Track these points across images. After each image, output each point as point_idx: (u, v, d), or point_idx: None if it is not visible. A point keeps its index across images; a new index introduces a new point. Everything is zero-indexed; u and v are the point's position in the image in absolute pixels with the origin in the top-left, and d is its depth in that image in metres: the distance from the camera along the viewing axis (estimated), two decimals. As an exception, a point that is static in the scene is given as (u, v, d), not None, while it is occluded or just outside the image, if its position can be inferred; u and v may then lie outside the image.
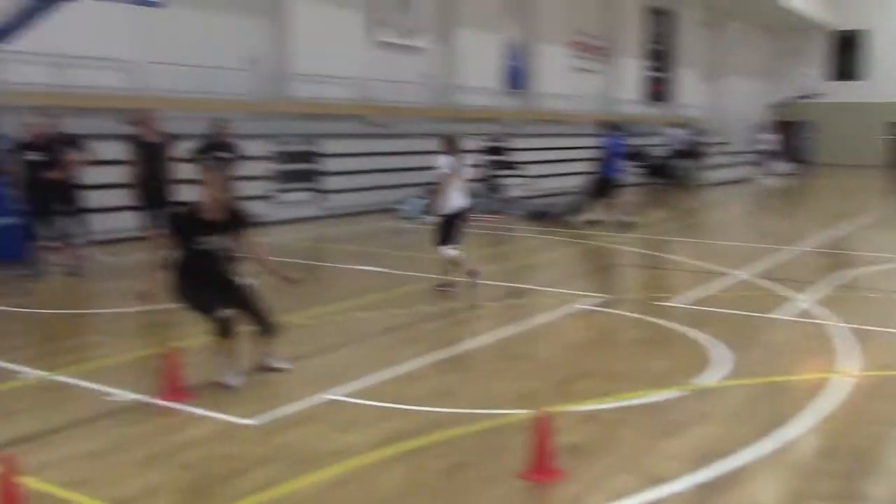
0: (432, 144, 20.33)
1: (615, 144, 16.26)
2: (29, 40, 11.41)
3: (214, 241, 6.03)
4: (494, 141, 21.59)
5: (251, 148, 15.82)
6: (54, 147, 10.66)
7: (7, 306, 8.86)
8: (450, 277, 9.75)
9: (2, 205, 11.21)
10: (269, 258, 6.55)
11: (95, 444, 5.00)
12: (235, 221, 6.16)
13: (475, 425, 5.37)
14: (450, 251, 9.63)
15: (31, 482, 4.31)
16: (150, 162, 11.06)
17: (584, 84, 28.49)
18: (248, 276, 6.40)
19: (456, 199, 9.58)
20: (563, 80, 26.99)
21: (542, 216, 17.19)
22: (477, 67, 23.31)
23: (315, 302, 9.42)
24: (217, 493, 4.39)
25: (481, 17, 23.31)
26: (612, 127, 16.76)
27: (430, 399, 5.86)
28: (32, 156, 10.52)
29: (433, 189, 9.85)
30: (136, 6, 10.90)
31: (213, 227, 6.02)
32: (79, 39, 13.49)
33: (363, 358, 7.01)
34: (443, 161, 9.64)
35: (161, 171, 11.11)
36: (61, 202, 10.86)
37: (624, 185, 16.85)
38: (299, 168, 17.41)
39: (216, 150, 11.68)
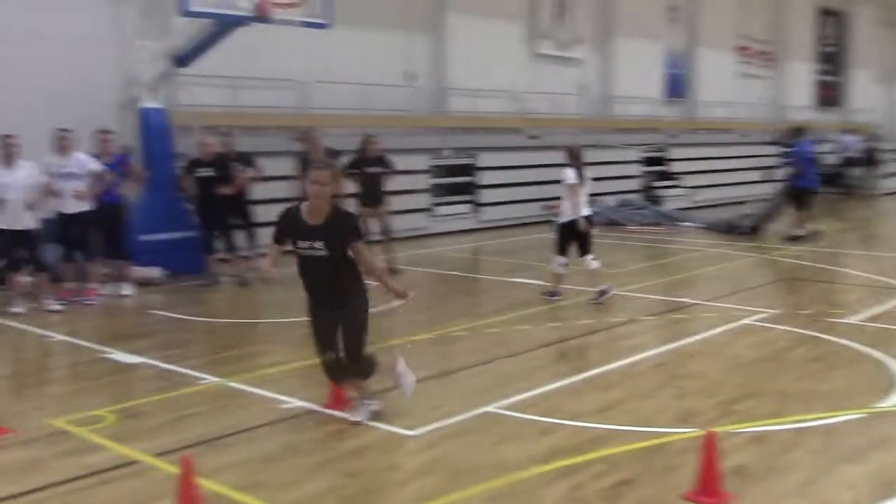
0: (590, 156, 20.23)
1: (806, 151, 15.43)
2: (204, 63, 12.12)
3: (313, 248, 5.38)
4: (654, 151, 21.16)
5: (410, 162, 16.16)
6: (225, 164, 11.27)
7: (185, 315, 9.42)
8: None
9: (180, 219, 11.95)
10: (383, 272, 5.92)
11: (268, 449, 5.21)
12: (340, 230, 5.40)
13: (637, 443, 5.25)
14: (560, 261, 9.96)
15: (207, 483, 4.53)
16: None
17: (750, 90, 27.43)
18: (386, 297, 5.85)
19: (580, 209, 9.75)
20: (727, 87, 26.07)
21: (732, 229, 16.42)
22: (636, 76, 22.89)
23: (472, 314, 9.51)
24: (380, 501, 4.49)
25: (640, 25, 22.89)
26: (799, 133, 15.86)
27: (589, 415, 5.78)
28: (204, 172, 11.15)
29: (560, 199, 10.07)
30: (304, 28, 11.33)
31: (312, 233, 5.37)
32: (249, 61, 14.18)
33: (521, 371, 7.00)
34: (567, 172, 9.86)
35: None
36: (232, 216, 11.49)
37: (817, 194, 15.92)
38: (457, 181, 17.66)
39: (368, 164, 11.96)
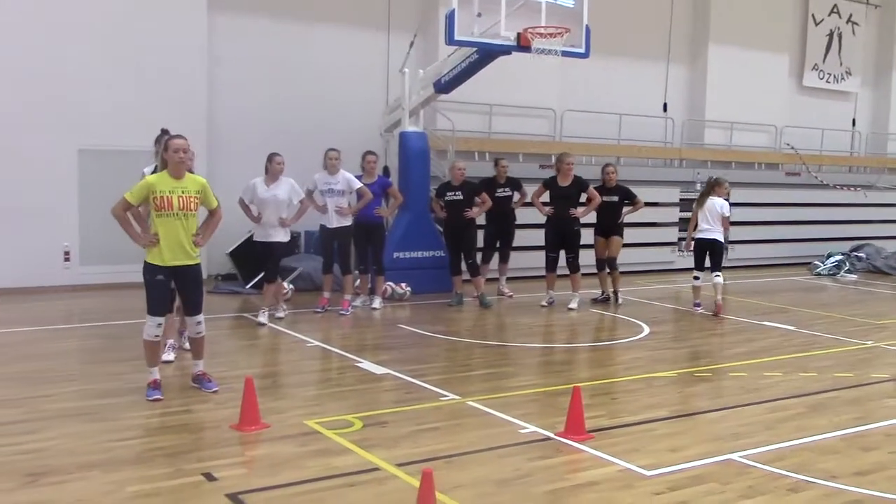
0: (859, 197, 18.88)
1: None
2: (461, 90, 12.56)
3: None
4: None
5: (660, 194, 15.82)
6: (473, 188, 11.58)
7: (430, 332, 9.75)
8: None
9: (431, 239, 12.44)
10: None
11: (503, 472, 5.25)
12: None
13: (901, 514, 4.78)
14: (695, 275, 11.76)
15: (444, 498, 4.64)
16: (560, 204, 11.51)
17: None
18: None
19: (702, 233, 11.46)
20: None
21: None
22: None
23: (716, 355, 9.14)
24: (613, 539, 4.38)
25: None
26: None
27: (846, 477, 5.33)
28: (453, 196, 11.50)
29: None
30: (562, 57, 11.44)
31: None
32: (504, 89, 14.54)
33: (768, 421, 6.60)
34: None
35: (567, 214, 11.47)
36: (497, 239, 12.01)
37: None
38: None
39: (605, 193, 11.87)
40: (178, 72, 12.38)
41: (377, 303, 11.17)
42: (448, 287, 11.81)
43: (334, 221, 10.57)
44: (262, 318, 9.93)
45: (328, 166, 10.53)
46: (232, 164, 12.50)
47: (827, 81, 20.03)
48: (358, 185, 10.59)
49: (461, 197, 11.47)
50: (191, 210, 6.65)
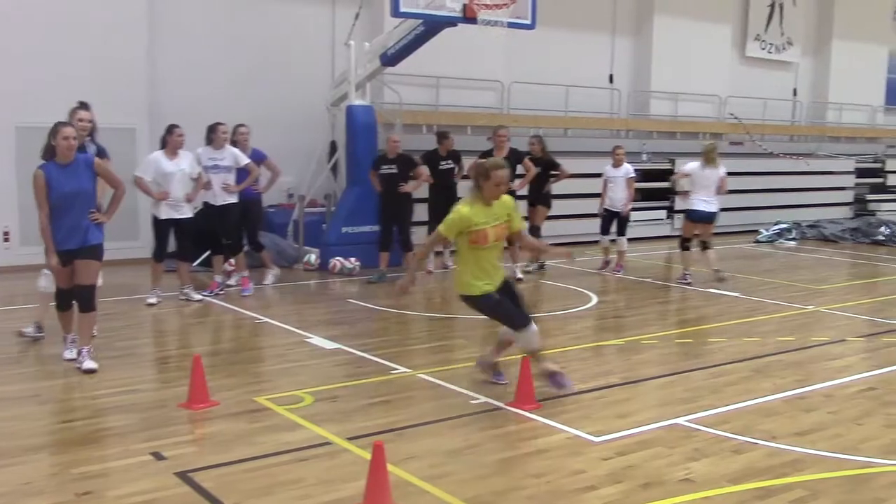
0: (801, 165, 19.25)
1: None
2: (408, 63, 12.47)
3: None
4: (870, 162, 19.87)
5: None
6: (408, 162, 11.41)
7: (379, 306, 9.75)
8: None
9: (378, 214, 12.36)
10: None
11: (453, 443, 5.29)
12: None
13: (840, 472, 4.93)
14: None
15: (395, 470, 4.65)
16: None
17: None
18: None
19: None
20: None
21: None
22: (853, 82, 21.53)
23: (663, 323, 9.28)
24: (563, 505, 4.44)
25: (861, 27, 21.49)
26: None
27: (787, 437, 5.48)
28: (387, 169, 11.34)
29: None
30: (507, 29, 11.42)
31: None
32: (451, 62, 14.47)
33: (713, 385, 6.74)
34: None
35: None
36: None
37: None
38: (653, 186, 17.23)
39: (538, 165, 12.00)
40: (119, 45, 12.07)
41: (270, 278, 10.89)
42: (397, 261, 11.77)
43: (220, 199, 9.97)
44: (152, 299, 9.52)
45: (215, 141, 9.87)
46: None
47: (769, 52, 20.30)
48: (246, 160, 10.02)
49: (395, 170, 11.33)
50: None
